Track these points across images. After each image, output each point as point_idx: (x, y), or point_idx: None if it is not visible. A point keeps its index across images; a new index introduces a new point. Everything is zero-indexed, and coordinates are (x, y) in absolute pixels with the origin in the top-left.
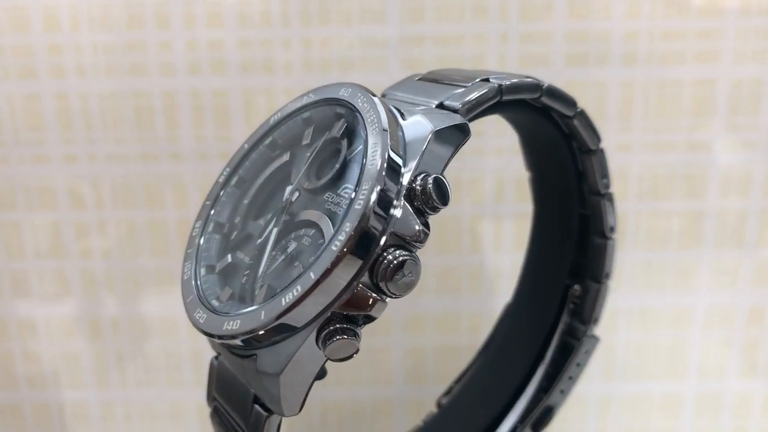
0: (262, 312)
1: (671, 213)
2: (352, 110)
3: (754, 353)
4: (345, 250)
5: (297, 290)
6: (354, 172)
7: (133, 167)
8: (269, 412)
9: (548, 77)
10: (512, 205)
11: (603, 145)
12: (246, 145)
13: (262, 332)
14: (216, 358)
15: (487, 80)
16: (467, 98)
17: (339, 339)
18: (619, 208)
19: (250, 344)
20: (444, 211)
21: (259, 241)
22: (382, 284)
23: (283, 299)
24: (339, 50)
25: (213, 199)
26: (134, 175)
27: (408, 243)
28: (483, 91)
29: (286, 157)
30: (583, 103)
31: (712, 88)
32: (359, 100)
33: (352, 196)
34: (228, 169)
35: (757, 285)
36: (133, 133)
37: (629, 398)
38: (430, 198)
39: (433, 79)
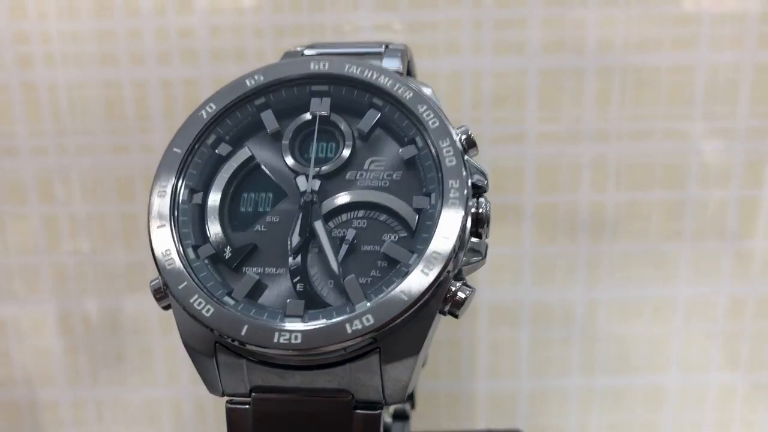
0: (389, 299)
1: (651, 203)
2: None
3: (736, 345)
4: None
5: (431, 268)
6: (382, 143)
7: (104, 159)
8: (376, 407)
9: (524, 65)
10: None
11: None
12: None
13: (400, 319)
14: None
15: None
16: None
17: (461, 291)
18: (597, 198)
19: (379, 337)
20: None
21: (291, 242)
22: (481, 230)
23: (418, 278)
24: (311, 38)
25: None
26: (104, 167)
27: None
28: None
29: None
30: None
31: (689, 75)
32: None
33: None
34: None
35: (738, 276)
36: (103, 125)
37: (611, 392)
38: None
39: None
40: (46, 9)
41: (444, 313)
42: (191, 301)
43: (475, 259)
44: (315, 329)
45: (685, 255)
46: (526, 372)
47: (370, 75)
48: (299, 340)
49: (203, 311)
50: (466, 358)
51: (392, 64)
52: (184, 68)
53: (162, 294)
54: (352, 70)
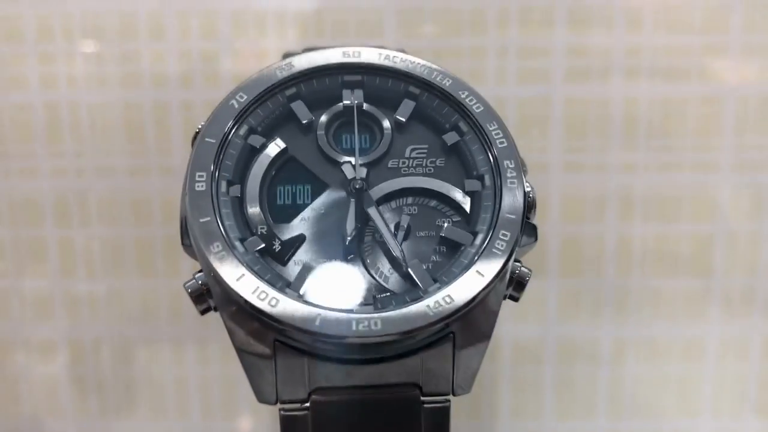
0: (465, 279)
1: (679, 237)
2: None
3: None
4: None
5: (506, 240)
6: (420, 131)
7: (122, 181)
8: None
9: (548, 92)
10: None
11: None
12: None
13: (478, 299)
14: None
15: None
16: None
17: (522, 272)
18: (624, 231)
19: (453, 321)
20: None
21: (344, 229)
22: (530, 213)
23: (491, 258)
24: None
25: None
26: (122, 189)
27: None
28: None
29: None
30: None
31: (718, 106)
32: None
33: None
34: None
35: None
36: (123, 146)
37: None
38: None
39: None
40: (72, 31)
41: (506, 297)
42: (253, 293)
43: (528, 240)
44: (393, 314)
45: (716, 291)
46: (549, 413)
47: (405, 64)
48: (379, 326)
49: (268, 304)
50: (487, 398)
51: None
52: (207, 91)
53: (202, 296)
54: (387, 59)
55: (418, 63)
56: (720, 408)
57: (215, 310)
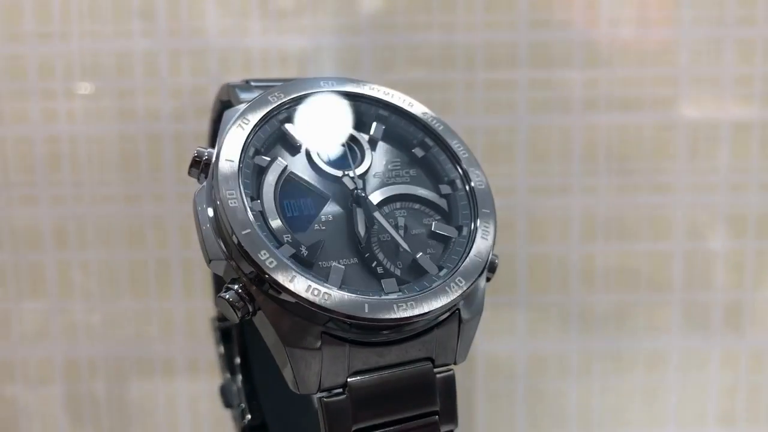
0: (468, 263)
1: (639, 254)
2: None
3: (731, 399)
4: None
5: (488, 230)
6: (392, 147)
7: (117, 209)
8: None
9: (513, 122)
10: None
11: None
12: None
13: (478, 279)
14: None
15: None
16: None
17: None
18: (587, 250)
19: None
20: None
21: (357, 232)
22: None
23: (481, 243)
24: None
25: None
26: (118, 216)
27: None
28: None
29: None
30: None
31: (672, 132)
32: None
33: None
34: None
35: (730, 329)
36: (119, 176)
37: None
38: None
39: None
40: (72, 68)
41: (488, 278)
42: (308, 292)
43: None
44: (423, 296)
45: (676, 305)
46: (522, 426)
47: (375, 91)
48: (415, 308)
49: (323, 298)
50: (464, 411)
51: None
52: (197, 123)
53: (243, 301)
54: (359, 87)
55: (383, 90)
56: (684, 418)
57: (253, 315)
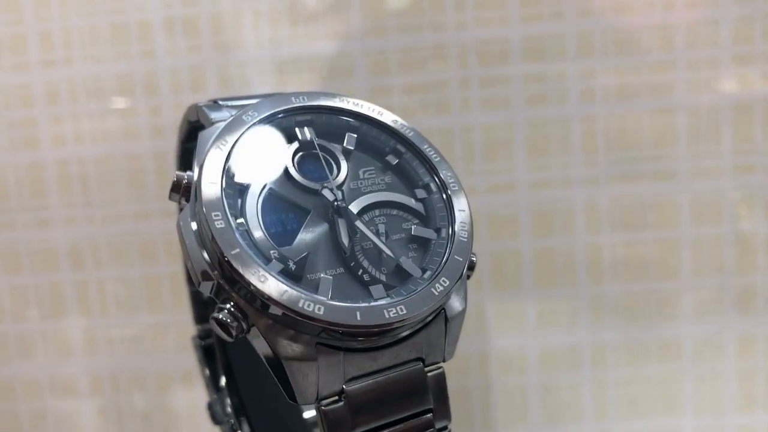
0: (450, 263)
1: (646, 243)
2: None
3: (749, 385)
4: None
5: (465, 232)
6: (366, 156)
7: (128, 226)
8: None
9: (510, 118)
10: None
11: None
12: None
13: (460, 278)
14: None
15: None
16: None
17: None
18: (592, 240)
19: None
20: None
21: (341, 242)
22: None
23: (461, 243)
24: None
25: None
26: (129, 233)
27: None
28: None
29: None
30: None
31: (671, 118)
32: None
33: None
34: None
35: (744, 313)
36: (128, 194)
37: None
38: None
39: None
40: (77, 92)
41: (468, 277)
42: (300, 305)
43: None
44: (411, 300)
45: (686, 292)
46: (536, 418)
47: (346, 103)
48: (404, 311)
49: (315, 311)
50: (479, 407)
51: None
52: None
53: (236, 320)
54: (329, 100)
55: (353, 101)
56: (701, 405)
57: (247, 332)
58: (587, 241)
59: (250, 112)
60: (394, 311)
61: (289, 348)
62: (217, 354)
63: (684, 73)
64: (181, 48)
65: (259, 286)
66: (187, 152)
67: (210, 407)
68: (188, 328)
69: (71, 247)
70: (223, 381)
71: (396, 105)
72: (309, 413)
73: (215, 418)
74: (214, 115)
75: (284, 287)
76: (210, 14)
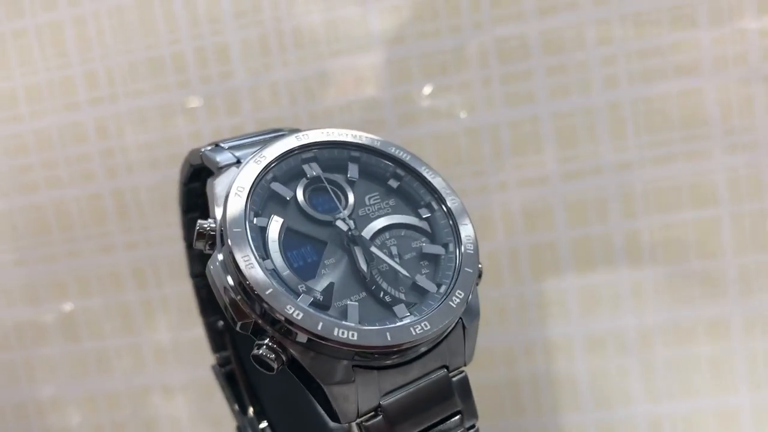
0: (462, 276)
1: (685, 223)
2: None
3: None
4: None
5: (471, 245)
6: (368, 183)
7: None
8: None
9: (534, 111)
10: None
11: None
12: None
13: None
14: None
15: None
16: None
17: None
18: (629, 225)
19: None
20: None
21: (359, 269)
22: None
23: (470, 256)
24: (340, 112)
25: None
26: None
27: None
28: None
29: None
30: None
31: (699, 97)
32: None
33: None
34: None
35: None
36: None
37: (681, 417)
38: None
39: None
40: (123, 125)
41: (477, 284)
42: (336, 334)
43: None
44: (432, 315)
45: (731, 270)
46: (590, 404)
47: (345, 135)
48: (428, 327)
49: (350, 338)
50: (529, 397)
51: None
52: None
53: (275, 354)
54: (329, 136)
55: (351, 133)
56: (756, 382)
57: (286, 364)
58: (624, 226)
59: (258, 158)
60: (420, 328)
61: (329, 374)
62: (238, 379)
63: (710, 50)
64: (214, 74)
65: (296, 321)
66: (190, 192)
67: (240, 430)
68: None
69: (134, 269)
70: (249, 406)
71: (422, 110)
72: (335, 425)
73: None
74: (219, 158)
75: (318, 319)
76: (239, 41)
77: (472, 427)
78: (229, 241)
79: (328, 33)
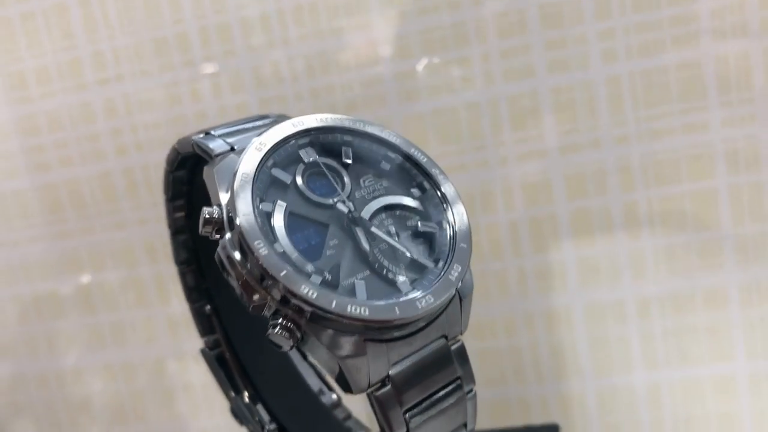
0: (458, 251)
1: (682, 195)
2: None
3: None
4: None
5: (463, 224)
6: (362, 166)
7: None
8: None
9: (533, 86)
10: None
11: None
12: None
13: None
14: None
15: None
16: None
17: None
18: (628, 198)
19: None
20: None
21: (362, 248)
22: None
23: (464, 232)
24: (342, 89)
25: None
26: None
27: None
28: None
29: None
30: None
31: (697, 69)
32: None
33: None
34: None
35: None
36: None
37: (679, 384)
38: None
39: None
40: (132, 105)
41: None
42: (349, 310)
43: None
44: (435, 288)
45: (728, 241)
46: (590, 371)
47: (335, 121)
48: (432, 299)
49: (362, 313)
50: (530, 365)
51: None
52: None
53: (290, 332)
54: (323, 122)
55: (344, 118)
56: (753, 351)
57: (300, 341)
58: (623, 199)
59: (258, 144)
60: (425, 301)
61: (342, 349)
62: (229, 361)
63: (709, 22)
64: (216, 53)
65: (312, 300)
66: (176, 180)
67: (234, 412)
68: None
69: (146, 244)
70: (242, 387)
71: (422, 87)
72: (327, 398)
73: (241, 419)
74: (213, 146)
75: (331, 297)
76: (240, 19)
77: (470, 391)
78: (241, 226)
79: (329, 10)
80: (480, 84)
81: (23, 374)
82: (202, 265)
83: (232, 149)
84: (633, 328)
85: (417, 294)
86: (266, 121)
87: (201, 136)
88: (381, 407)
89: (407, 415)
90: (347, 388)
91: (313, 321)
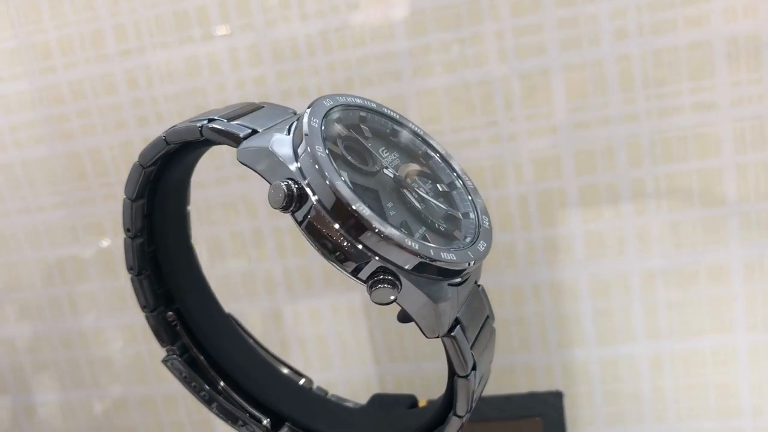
0: (481, 205)
1: (689, 173)
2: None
3: None
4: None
5: (467, 178)
6: (378, 139)
7: (211, 191)
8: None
9: (545, 63)
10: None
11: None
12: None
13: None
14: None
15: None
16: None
17: None
18: (635, 174)
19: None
20: None
21: (415, 207)
22: None
23: (476, 193)
24: (357, 64)
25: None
26: (209, 198)
27: None
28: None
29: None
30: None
31: (708, 49)
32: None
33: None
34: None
35: None
36: (209, 163)
37: (681, 354)
38: None
39: None
40: (152, 76)
41: None
42: (443, 256)
43: None
44: (482, 236)
45: (733, 218)
46: (593, 340)
47: (351, 99)
48: (486, 245)
49: (451, 258)
50: (536, 334)
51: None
52: None
53: (392, 285)
54: (346, 99)
55: (351, 97)
56: (754, 323)
57: (399, 290)
58: (631, 175)
59: (311, 121)
60: (482, 246)
61: (436, 294)
62: (201, 362)
63: (720, 2)
64: (235, 27)
65: (416, 250)
66: (145, 178)
67: (168, 361)
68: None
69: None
70: (219, 381)
71: (436, 62)
72: (306, 381)
73: (233, 420)
74: (235, 130)
75: (426, 246)
76: None
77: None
78: (337, 194)
79: None
80: (493, 61)
81: (47, 334)
82: (162, 270)
83: (254, 131)
84: (637, 300)
85: (471, 241)
86: (256, 106)
87: (212, 123)
88: (459, 346)
89: (473, 350)
90: (433, 332)
91: (410, 272)
